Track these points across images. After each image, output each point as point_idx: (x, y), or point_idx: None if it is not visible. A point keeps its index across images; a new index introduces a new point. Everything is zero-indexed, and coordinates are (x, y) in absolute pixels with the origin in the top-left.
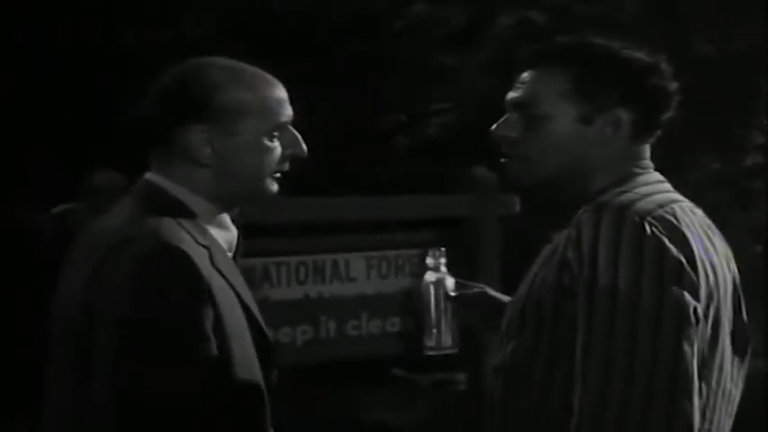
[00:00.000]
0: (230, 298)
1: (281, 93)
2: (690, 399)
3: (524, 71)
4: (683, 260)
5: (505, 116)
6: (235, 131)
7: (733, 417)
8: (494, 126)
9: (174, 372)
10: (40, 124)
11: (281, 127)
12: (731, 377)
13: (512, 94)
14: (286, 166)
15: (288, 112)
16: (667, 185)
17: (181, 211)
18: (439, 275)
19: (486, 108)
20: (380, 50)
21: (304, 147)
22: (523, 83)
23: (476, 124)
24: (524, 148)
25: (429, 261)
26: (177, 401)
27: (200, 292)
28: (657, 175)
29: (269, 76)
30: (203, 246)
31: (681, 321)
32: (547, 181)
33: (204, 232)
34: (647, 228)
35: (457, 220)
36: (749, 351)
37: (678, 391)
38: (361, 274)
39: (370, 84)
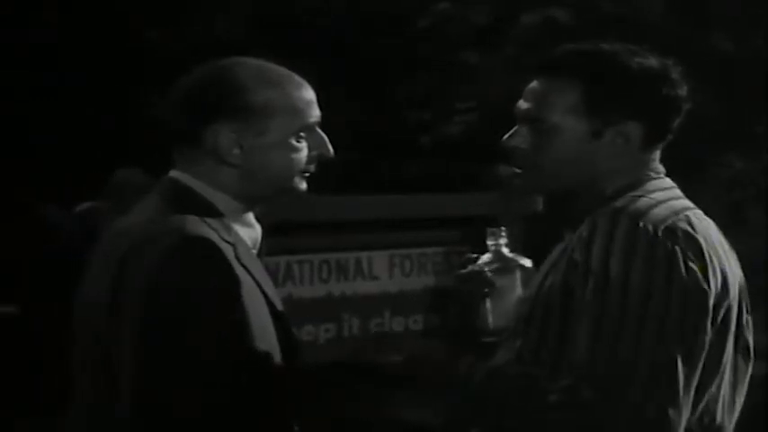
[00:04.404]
0: (256, 295)
1: (310, 93)
2: (675, 400)
3: (533, 78)
4: (696, 269)
5: (515, 128)
6: (262, 131)
7: (733, 423)
8: (505, 137)
9: (198, 369)
10: (63, 122)
11: (309, 128)
12: (732, 384)
13: (521, 106)
14: (313, 167)
15: (315, 112)
16: (679, 192)
17: (206, 208)
18: (496, 257)
19: (509, 107)
20: (404, 49)
21: (331, 148)
22: (532, 94)
23: (499, 123)
24: (536, 159)
25: (489, 242)
26: (201, 398)
27: (228, 287)
28: (669, 181)
29: (297, 77)
30: (228, 242)
31: (688, 329)
32: (559, 190)
33: (229, 229)
34: (661, 236)
35: (480, 219)
36: (751, 359)
37: (670, 398)
38: (384, 272)
39: (393, 82)
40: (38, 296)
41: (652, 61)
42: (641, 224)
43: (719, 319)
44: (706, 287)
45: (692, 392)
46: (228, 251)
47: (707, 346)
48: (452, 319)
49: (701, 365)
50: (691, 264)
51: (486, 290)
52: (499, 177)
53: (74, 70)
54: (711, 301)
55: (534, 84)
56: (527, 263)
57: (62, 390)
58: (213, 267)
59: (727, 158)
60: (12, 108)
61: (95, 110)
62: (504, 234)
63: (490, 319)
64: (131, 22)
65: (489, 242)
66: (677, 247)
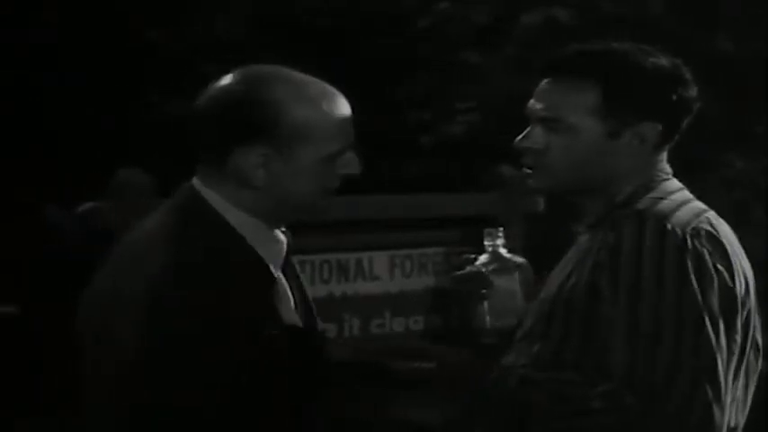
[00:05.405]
0: (268, 324)
1: (347, 113)
2: (719, 400)
3: (542, 78)
4: (723, 271)
5: (529, 128)
6: (294, 156)
7: (743, 421)
8: (518, 138)
9: (198, 372)
10: (63, 122)
11: (343, 151)
12: (744, 385)
13: (535, 106)
14: (337, 186)
15: (351, 137)
16: (689, 193)
17: (220, 222)
18: (493, 257)
19: (511, 106)
20: (404, 49)
21: (358, 166)
22: (546, 94)
23: (501, 122)
24: (550, 160)
25: (486, 242)
26: (201, 402)
27: (228, 296)
28: (678, 182)
29: (336, 95)
30: (241, 266)
31: (724, 328)
32: (573, 190)
33: (245, 251)
34: (689, 240)
35: (481, 219)
36: (761, 357)
37: (713, 397)
38: (384, 272)
39: (393, 82)
40: (38, 296)
41: (664, 61)
42: (668, 227)
43: (743, 319)
44: (732, 285)
45: (730, 392)
46: (242, 276)
47: (739, 346)
48: (452, 320)
49: (734, 364)
50: (719, 265)
51: (484, 290)
52: (500, 177)
53: (74, 70)
54: (739, 301)
55: (546, 84)
56: (524, 263)
57: (62, 390)
58: (215, 278)
59: (727, 158)
60: (12, 108)
61: (96, 110)
62: (500, 234)
63: (488, 320)
64: (131, 22)
65: (486, 242)
66: (705, 249)
